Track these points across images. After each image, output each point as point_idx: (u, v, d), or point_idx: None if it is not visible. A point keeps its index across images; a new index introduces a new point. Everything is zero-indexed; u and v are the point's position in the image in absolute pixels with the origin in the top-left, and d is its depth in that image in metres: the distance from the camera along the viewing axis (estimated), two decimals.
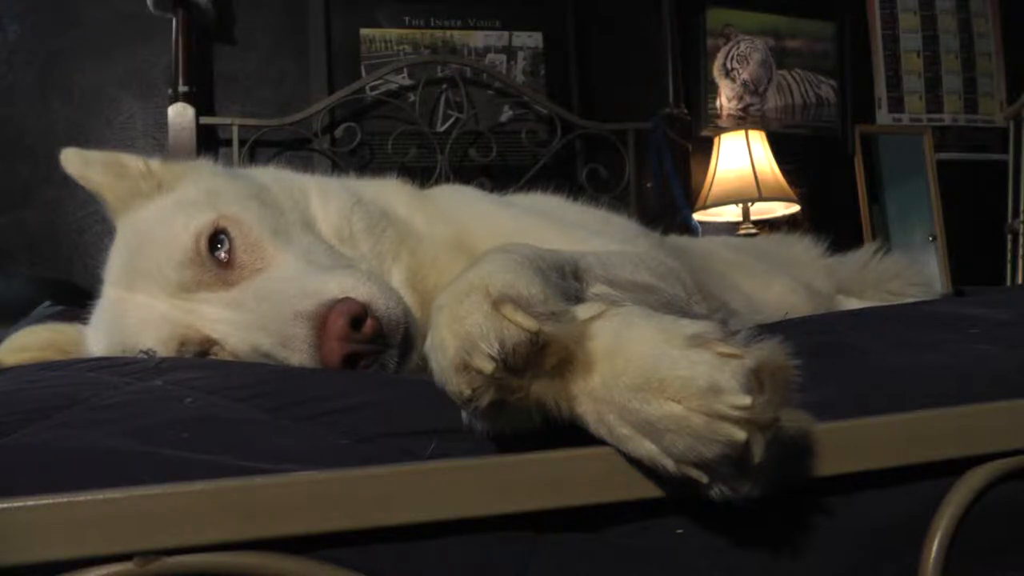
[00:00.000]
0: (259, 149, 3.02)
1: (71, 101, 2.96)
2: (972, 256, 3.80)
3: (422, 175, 2.75)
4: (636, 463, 0.45)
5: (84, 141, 2.74)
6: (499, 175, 3.13)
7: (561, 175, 3.11)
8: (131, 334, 0.79)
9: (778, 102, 3.82)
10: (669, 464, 0.42)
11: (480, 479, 0.45)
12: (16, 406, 0.53)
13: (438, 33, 3.34)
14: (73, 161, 0.92)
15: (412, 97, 3.20)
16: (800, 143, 3.75)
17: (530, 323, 0.43)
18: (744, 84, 3.77)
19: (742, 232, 3.19)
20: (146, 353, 0.75)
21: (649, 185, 3.25)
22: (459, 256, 0.91)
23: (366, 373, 0.70)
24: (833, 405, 0.52)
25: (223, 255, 0.80)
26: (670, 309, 0.72)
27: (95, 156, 0.93)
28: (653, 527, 0.48)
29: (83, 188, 0.92)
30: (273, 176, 0.98)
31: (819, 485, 0.49)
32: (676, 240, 1.58)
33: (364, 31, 3.25)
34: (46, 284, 2.24)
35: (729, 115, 3.73)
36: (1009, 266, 3.61)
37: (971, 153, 4.02)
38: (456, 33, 3.36)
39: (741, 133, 3.31)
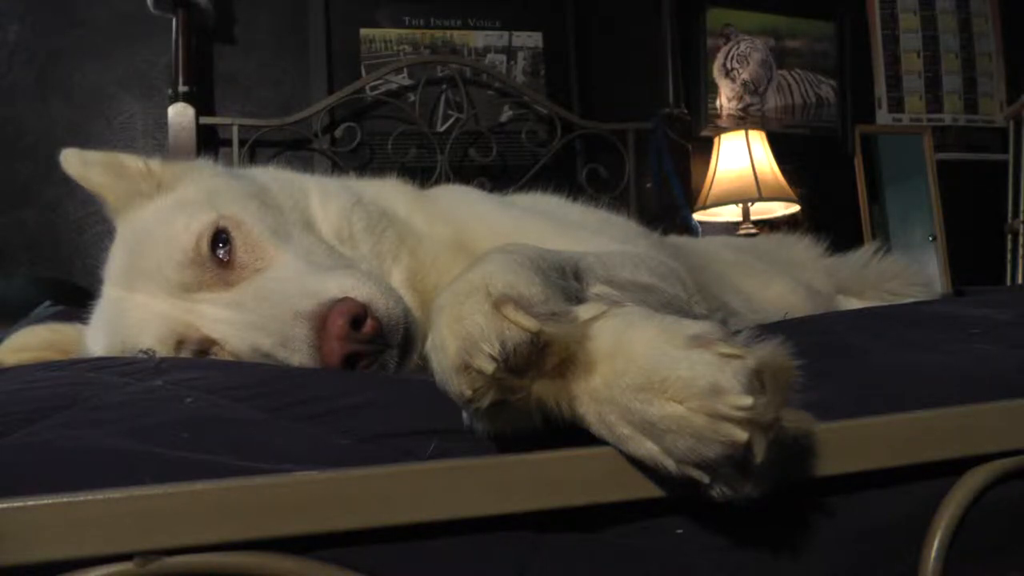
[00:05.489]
0: (259, 149, 3.02)
1: (71, 101, 2.96)
2: (972, 256, 3.80)
3: (422, 175, 2.75)
4: (637, 463, 0.45)
5: (84, 141, 2.75)
6: (499, 175, 3.13)
7: (561, 175, 3.10)
8: (131, 334, 0.79)
9: (778, 102, 3.82)
10: (670, 464, 0.42)
11: (480, 479, 0.45)
12: (16, 406, 0.52)
13: (438, 33, 3.34)
14: (73, 162, 0.92)
15: (412, 97, 3.20)
16: (800, 143, 3.75)
17: (531, 323, 0.43)
18: (744, 84, 3.77)
19: (742, 232, 3.19)
20: (146, 353, 0.75)
21: (649, 185, 3.25)
22: (459, 256, 0.91)
23: (366, 373, 0.70)
24: (833, 405, 0.52)
25: (223, 255, 0.80)
26: (670, 309, 0.72)
27: (95, 156, 0.93)
28: (653, 527, 0.48)
29: (83, 188, 0.92)
30: (273, 176, 0.98)
31: (819, 485, 0.49)
32: (676, 240, 1.58)
33: (364, 31, 3.25)
34: (46, 284, 2.24)
35: (729, 115, 3.73)
36: (1009, 266, 3.61)
37: (971, 153, 4.03)
38: (456, 33, 3.36)
39: (741, 133, 3.31)
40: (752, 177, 3.19)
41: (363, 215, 0.93)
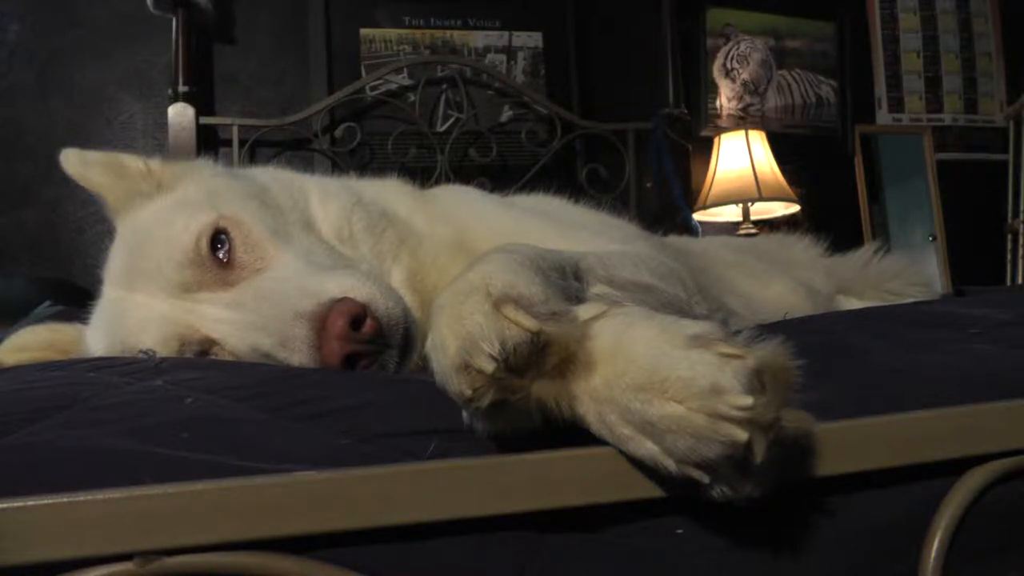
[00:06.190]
0: (259, 149, 3.02)
1: (71, 101, 2.96)
2: (972, 256, 3.80)
3: (422, 175, 2.75)
4: (637, 463, 0.45)
5: (84, 141, 2.74)
6: (499, 175, 3.13)
7: (561, 175, 3.11)
8: (131, 334, 0.79)
9: (778, 102, 3.82)
10: (670, 464, 0.42)
11: (480, 479, 0.45)
12: (16, 406, 0.52)
13: (438, 33, 3.34)
14: (73, 162, 0.92)
15: (412, 97, 3.20)
16: (800, 143, 3.75)
17: (531, 323, 0.43)
18: (744, 84, 3.77)
19: (742, 232, 3.19)
20: (146, 353, 0.75)
21: (649, 185, 3.25)
22: (459, 256, 0.91)
23: (366, 373, 0.69)
24: (833, 405, 0.52)
25: (223, 255, 0.80)
26: (671, 309, 0.72)
27: (95, 156, 0.93)
28: (653, 527, 0.48)
29: (83, 188, 0.92)
30: (273, 176, 0.98)
31: (819, 485, 0.49)
32: (676, 241, 1.57)
33: (364, 31, 3.25)
34: (46, 284, 2.24)
35: (729, 115, 3.73)
36: (1009, 266, 3.61)
37: (971, 153, 4.03)
38: (456, 33, 3.36)
39: (741, 133, 3.31)
40: (752, 177, 3.19)
41: (363, 215, 0.93)
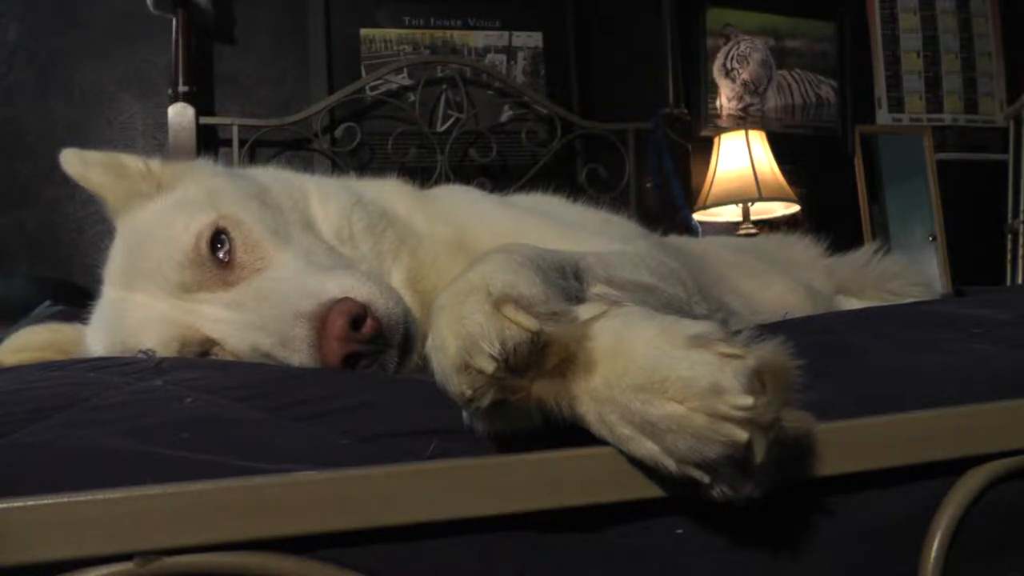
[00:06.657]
0: (259, 149, 3.02)
1: (71, 101, 2.96)
2: (972, 256, 3.80)
3: (422, 175, 2.75)
4: (637, 463, 0.45)
5: (84, 141, 2.74)
6: (499, 175, 3.13)
7: (561, 175, 3.10)
8: (131, 334, 0.79)
9: (778, 102, 3.82)
10: (671, 464, 0.42)
11: (480, 479, 0.45)
12: (16, 406, 0.52)
13: (438, 33, 3.34)
14: (72, 162, 0.92)
15: (412, 97, 3.20)
16: (800, 143, 3.75)
17: (531, 323, 0.43)
18: (744, 84, 3.77)
19: (742, 232, 3.19)
20: (146, 353, 0.75)
21: (649, 185, 3.25)
22: (459, 256, 0.91)
23: (366, 373, 0.70)
24: (833, 405, 0.52)
25: (223, 255, 0.80)
26: (671, 309, 0.72)
27: (95, 157, 0.93)
28: (653, 527, 0.48)
29: (83, 188, 0.92)
30: (273, 176, 0.98)
31: (819, 485, 0.49)
32: (676, 240, 1.57)
33: (364, 31, 3.25)
34: (46, 284, 2.24)
35: (729, 115, 3.73)
36: (1009, 266, 3.61)
37: (971, 153, 4.03)
38: (456, 33, 3.36)
39: (741, 133, 3.31)
40: (752, 177, 3.19)
41: (363, 215, 0.93)
